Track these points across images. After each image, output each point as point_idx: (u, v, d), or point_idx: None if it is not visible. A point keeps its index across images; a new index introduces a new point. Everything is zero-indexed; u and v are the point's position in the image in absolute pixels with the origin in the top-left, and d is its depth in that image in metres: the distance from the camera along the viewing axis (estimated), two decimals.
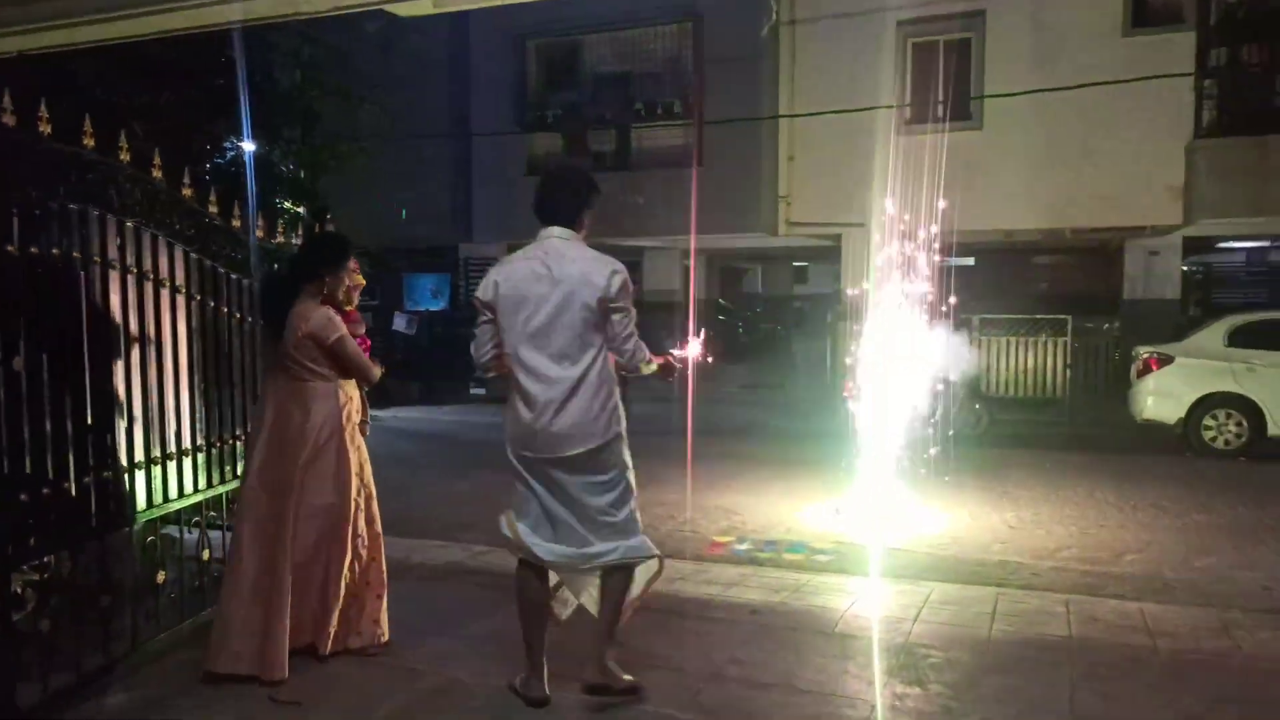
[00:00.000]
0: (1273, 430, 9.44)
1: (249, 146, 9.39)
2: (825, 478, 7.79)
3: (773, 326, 21.63)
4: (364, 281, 4.04)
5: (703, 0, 14.53)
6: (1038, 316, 13.14)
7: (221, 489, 4.23)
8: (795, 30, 14.16)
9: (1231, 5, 12.07)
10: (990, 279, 15.35)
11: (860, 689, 3.63)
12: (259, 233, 4.64)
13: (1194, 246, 15.23)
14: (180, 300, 3.99)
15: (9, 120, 3.22)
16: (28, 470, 3.21)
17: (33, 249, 3.23)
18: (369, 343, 4.00)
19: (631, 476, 3.42)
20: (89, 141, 3.53)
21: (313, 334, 3.70)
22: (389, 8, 5.01)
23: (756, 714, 3.40)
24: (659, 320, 17.80)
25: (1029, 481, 8.16)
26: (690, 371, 3.68)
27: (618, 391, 3.37)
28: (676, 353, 3.61)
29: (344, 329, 3.78)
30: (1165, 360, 9.93)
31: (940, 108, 12.75)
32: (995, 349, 12.76)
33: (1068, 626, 4.34)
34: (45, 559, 3.44)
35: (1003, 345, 12.82)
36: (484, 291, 3.35)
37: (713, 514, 7.10)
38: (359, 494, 3.87)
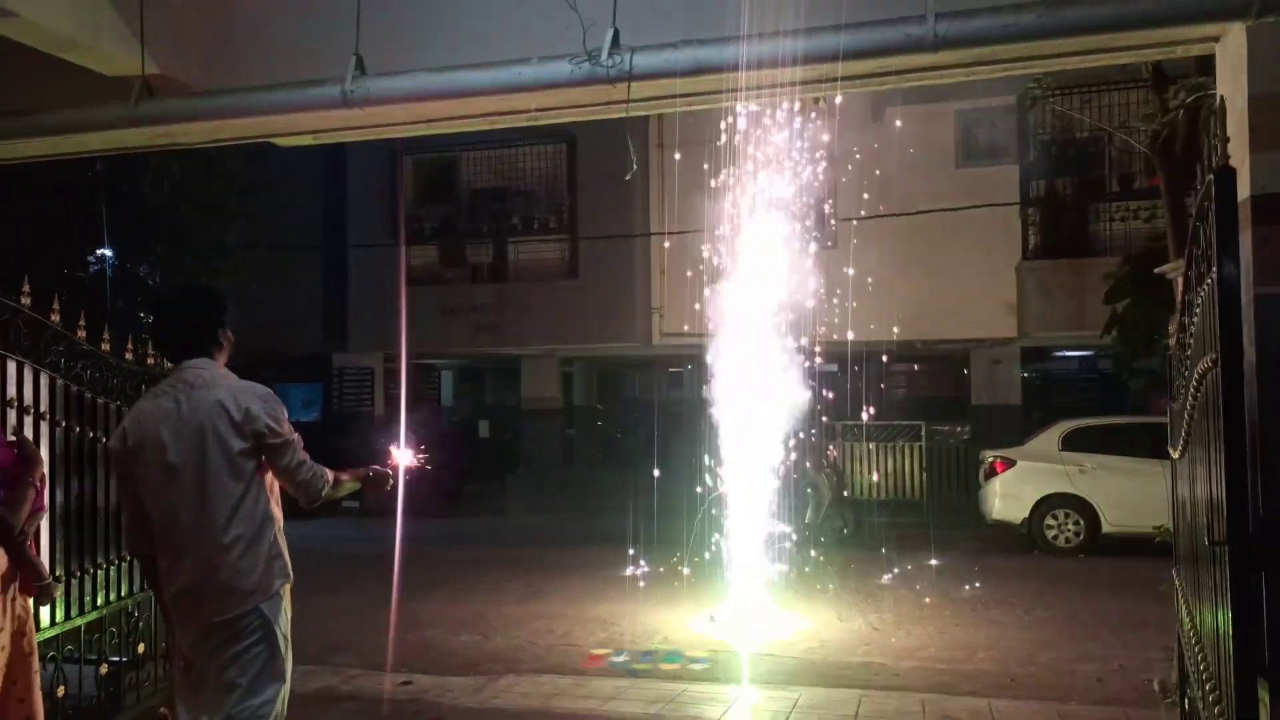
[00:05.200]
0: (1106, 528, 10.21)
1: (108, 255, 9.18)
2: (701, 584, 7.96)
3: (650, 431, 21.95)
4: None
5: (575, 124, 15.21)
6: (895, 422, 13.97)
7: (79, 620, 4.07)
8: (663, 153, 14.99)
9: (1046, 143, 13.60)
10: (851, 385, 16.19)
11: None
12: (128, 355, 4.60)
13: (1032, 356, 16.58)
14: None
15: None
16: None
17: None
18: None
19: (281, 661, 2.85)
20: None
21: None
22: (269, 140, 5.16)
23: None
24: (537, 426, 17.98)
25: (891, 582, 8.56)
26: (399, 480, 3.35)
27: (277, 534, 2.90)
28: (386, 464, 3.38)
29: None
30: (1009, 463, 10.69)
31: (798, 228, 13.61)
32: (857, 453, 13.44)
33: None
34: None
35: (864, 450, 13.53)
36: (116, 440, 2.90)
37: (590, 625, 7.14)
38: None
